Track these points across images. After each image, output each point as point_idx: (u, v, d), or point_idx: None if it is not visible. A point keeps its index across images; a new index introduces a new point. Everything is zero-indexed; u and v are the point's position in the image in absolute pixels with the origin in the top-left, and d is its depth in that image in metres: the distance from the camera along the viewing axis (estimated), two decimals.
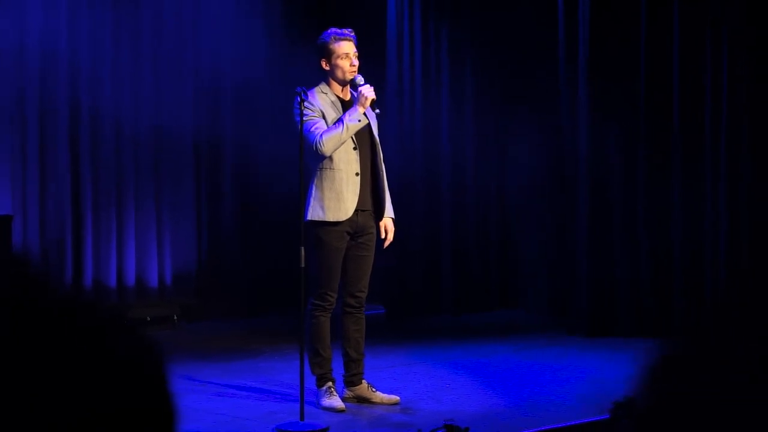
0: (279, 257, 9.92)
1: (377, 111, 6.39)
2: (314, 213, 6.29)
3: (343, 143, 6.24)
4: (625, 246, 8.88)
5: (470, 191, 10.37)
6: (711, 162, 8.56)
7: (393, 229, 6.54)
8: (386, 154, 9.69)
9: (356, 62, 6.37)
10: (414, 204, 10.03)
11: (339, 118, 6.25)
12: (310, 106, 6.24)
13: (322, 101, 6.33)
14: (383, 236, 6.51)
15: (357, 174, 6.34)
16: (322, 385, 6.42)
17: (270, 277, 10.06)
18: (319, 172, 6.31)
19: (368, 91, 6.27)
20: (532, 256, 10.26)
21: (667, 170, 8.72)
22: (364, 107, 6.27)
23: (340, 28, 6.47)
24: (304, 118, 6.17)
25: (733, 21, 8.40)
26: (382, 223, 6.50)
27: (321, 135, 6.19)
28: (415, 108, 10.15)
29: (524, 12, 10.02)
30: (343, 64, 6.34)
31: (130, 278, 9.55)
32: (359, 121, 6.25)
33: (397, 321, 9.88)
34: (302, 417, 5.94)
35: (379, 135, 6.59)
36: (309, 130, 6.19)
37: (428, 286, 10.17)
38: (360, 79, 6.35)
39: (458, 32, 10.23)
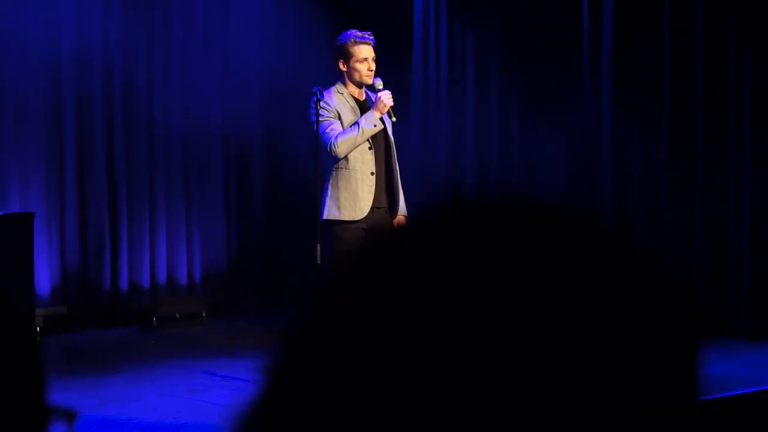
0: (307, 254, 10.00)
1: (394, 119, 6.47)
2: (330, 212, 6.40)
3: (357, 146, 6.34)
4: (646, 243, 8.91)
5: (493, 191, 10.42)
6: (734, 161, 8.59)
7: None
8: (410, 152, 9.79)
9: (374, 66, 6.46)
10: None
11: (355, 122, 6.35)
12: (326, 106, 6.34)
13: (338, 101, 6.43)
14: None
15: (372, 174, 6.43)
16: None
17: (297, 274, 10.16)
18: (334, 172, 6.40)
19: (387, 98, 6.36)
20: None
21: (690, 170, 8.75)
22: (381, 113, 6.36)
23: (361, 30, 6.54)
24: (320, 119, 6.27)
25: (755, 17, 8.42)
26: (395, 221, 6.59)
27: (336, 137, 6.30)
28: (440, 107, 10.22)
29: (549, 11, 10.05)
30: (361, 67, 6.42)
31: (162, 276, 9.68)
32: (375, 126, 6.35)
33: None
34: None
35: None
36: (324, 131, 6.29)
37: None
38: (379, 84, 6.44)
39: (484, 30, 10.27)
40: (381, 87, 6.42)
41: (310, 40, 10.17)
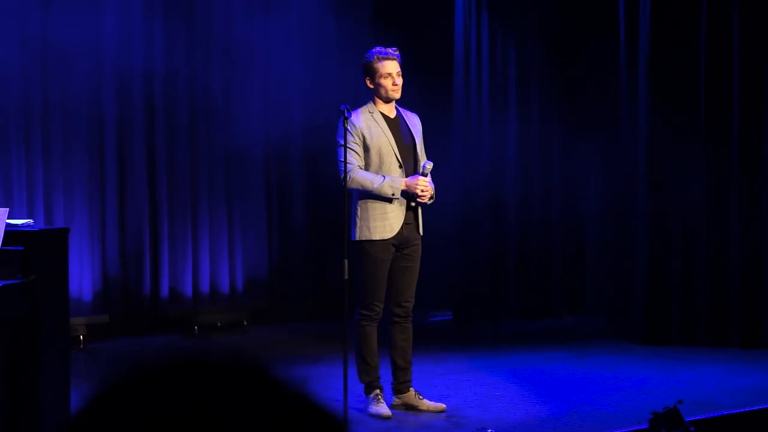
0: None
1: (413, 204, 6.49)
2: (362, 234, 6.46)
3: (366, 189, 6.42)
4: (683, 256, 8.92)
5: (535, 200, 10.48)
6: None
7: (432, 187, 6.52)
8: (453, 164, 9.87)
9: (399, 81, 6.51)
10: (481, 217, 10.19)
11: (382, 176, 6.42)
12: (351, 129, 6.41)
13: (365, 121, 6.49)
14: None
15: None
16: (370, 393, 6.63)
17: (337, 283, 10.27)
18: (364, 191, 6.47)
19: (421, 187, 6.38)
20: (596, 264, 10.34)
21: (727, 185, 8.76)
22: (408, 190, 6.41)
23: (385, 47, 6.61)
24: (348, 145, 6.34)
25: None
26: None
27: (357, 173, 6.36)
28: (482, 119, 10.28)
29: (590, 28, 10.11)
30: (386, 83, 6.49)
31: (204, 285, 9.83)
32: (393, 195, 6.41)
33: (464, 326, 10.05)
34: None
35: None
36: (347, 159, 6.33)
37: (495, 293, 10.30)
38: (427, 168, 6.47)
39: (525, 48, 10.34)
40: (427, 172, 6.45)
41: (351, 55, 10.28)
